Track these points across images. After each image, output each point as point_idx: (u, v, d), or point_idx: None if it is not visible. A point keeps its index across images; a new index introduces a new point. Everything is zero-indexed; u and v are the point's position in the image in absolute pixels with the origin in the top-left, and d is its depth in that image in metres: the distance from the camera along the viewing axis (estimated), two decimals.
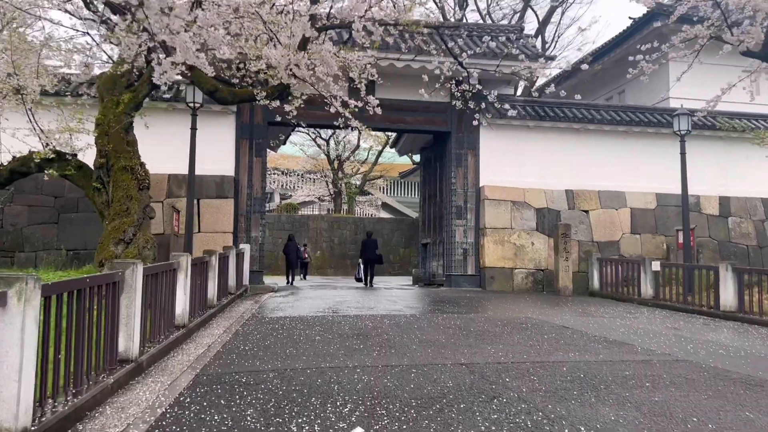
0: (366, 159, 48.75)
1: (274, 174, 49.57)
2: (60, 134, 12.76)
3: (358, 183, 48.59)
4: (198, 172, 19.40)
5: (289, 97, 13.26)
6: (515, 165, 21.32)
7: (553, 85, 27.57)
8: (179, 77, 12.23)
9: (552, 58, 20.30)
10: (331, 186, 48.05)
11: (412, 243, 42.49)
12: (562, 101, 22.49)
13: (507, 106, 21.28)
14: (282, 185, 52.35)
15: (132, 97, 12.77)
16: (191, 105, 16.64)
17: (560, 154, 21.63)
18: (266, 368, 7.91)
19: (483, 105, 20.83)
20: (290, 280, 24.05)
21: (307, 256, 34.72)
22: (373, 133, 17.15)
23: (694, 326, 13.10)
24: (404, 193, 59.77)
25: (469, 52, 18.26)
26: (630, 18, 26.82)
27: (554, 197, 21.37)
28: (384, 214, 51.87)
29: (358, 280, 23.12)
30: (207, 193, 19.58)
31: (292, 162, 50.52)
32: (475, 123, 19.65)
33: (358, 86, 15.72)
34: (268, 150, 25.70)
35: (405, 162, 51.36)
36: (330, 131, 45.73)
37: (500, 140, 21.34)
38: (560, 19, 30.77)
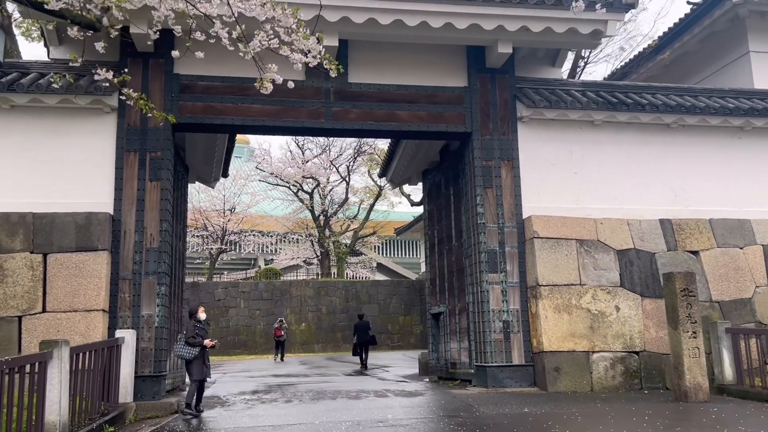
0: (356, 215, 40.03)
1: (251, 236, 40.65)
2: None
3: (348, 242, 39.65)
4: (43, 207, 10.74)
5: None
6: (577, 182, 12.58)
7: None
8: None
9: (632, 6, 11.83)
10: (317, 246, 39.11)
11: (413, 309, 33.34)
12: (641, 84, 13.92)
13: (559, 90, 12.81)
14: (260, 247, 43.37)
15: None
16: None
17: (646, 164, 12.91)
18: None
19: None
20: (194, 401, 10.05)
21: (282, 333, 26.10)
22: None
23: None
24: (401, 253, 50.86)
25: None
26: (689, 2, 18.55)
27: (643, 232, 12.52)
28: (380, 276, 42.84)
29: (356, 354, 20.87)
30: (60, 244, 10.67)
31: (272, 222, 41.74)
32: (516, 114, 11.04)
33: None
34: (201, 180, 16.95)
35: (401, 219, 42.71)
36: (312, 182, 37.20)
37: (550, 143, 12.65)
38: None
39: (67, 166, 11.12)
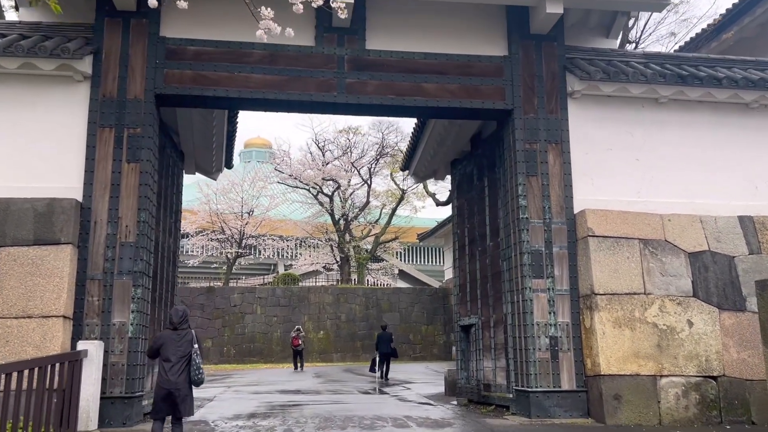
0: (378, 219, 37.95)
1: (270, 240, 38.74)
2: None
3: (368, 248, 37.53)
4: None
5: None
6: (639, 170, 10.33)
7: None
8: None
9: None
10: (336, 252, 37.07)
11: (436, 318, 31.16)
12: (714, 57, 11.62)
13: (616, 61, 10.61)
14: (279, 252, 41.49)
15: None
16: None
17: (720, 150, 10.62)
18: None
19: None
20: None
21: (300, 342, 24.42)
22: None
23: None
24: (424, 260, 48.67)
25: None
26: None
27: (720, 231, 10.21)
28: (401, 284, 40.63)
29: (372, 370, 20.01)
30: (15, 235, 8.72)
31: (291, 226, 39.81)
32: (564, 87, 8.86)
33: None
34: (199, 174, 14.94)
35: (424, 225, 40.54)
36: (332, 185, 35.21)
37: (607, 124, 10.43)
38: None
39: (29, 144, 9.19)
